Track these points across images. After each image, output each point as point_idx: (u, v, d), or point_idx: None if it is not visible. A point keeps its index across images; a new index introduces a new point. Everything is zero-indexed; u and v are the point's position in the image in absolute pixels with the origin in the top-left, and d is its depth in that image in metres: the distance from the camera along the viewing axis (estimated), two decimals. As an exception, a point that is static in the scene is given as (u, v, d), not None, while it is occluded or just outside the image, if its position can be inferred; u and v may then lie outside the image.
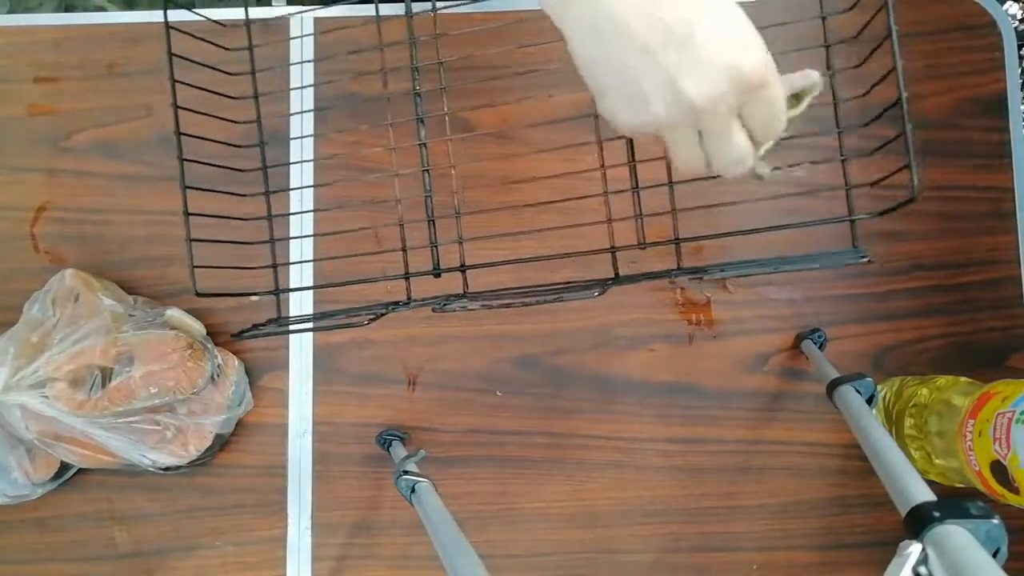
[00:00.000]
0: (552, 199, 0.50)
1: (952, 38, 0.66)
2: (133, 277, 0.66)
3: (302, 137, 0.65)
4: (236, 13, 0.58)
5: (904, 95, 0.40)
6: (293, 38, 0.67)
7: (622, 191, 0.47)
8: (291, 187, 0.64)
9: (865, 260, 0.44)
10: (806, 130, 0.40)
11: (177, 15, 0.52)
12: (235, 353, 0.64)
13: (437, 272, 0.50)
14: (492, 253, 0.51)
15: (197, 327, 0.62)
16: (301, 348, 0.66)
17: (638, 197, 0.47)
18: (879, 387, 0.62)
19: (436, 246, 0.51)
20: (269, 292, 0.53)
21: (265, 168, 0.54)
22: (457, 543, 0.43)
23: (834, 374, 0.55)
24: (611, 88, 0.35)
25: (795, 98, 0.39)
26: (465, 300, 0.49)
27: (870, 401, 0.51)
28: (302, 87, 0.66)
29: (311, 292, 0.65)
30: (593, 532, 0.64)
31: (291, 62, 0.66)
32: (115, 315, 0.59)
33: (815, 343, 0.62)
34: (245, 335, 0.48)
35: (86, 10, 1.48)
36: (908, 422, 0.57)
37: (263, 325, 0.52)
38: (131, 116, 0.68)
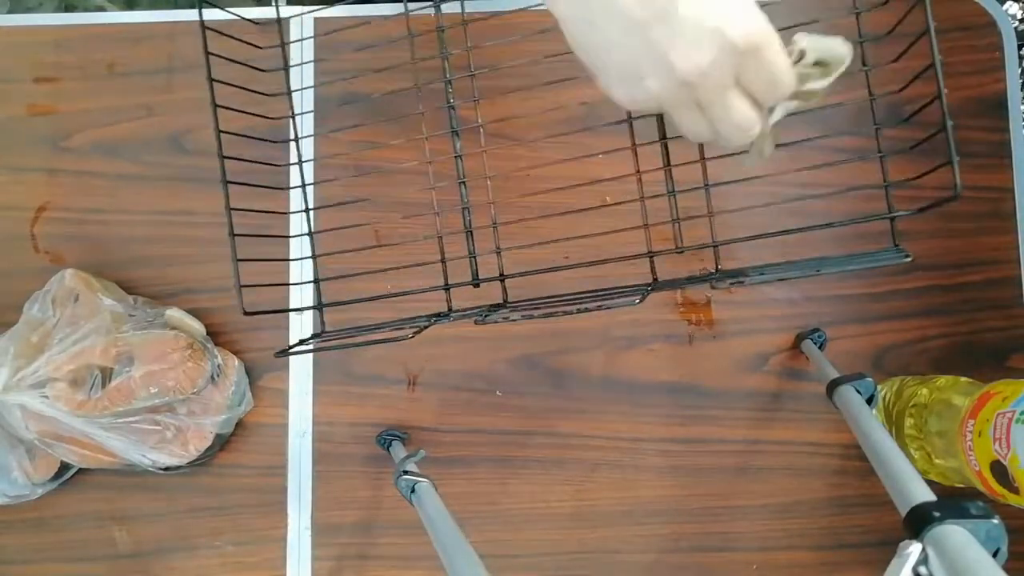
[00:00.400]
0: (587, 205, 0.50)
1: (952, 38, 0.66)
2: (133, 277, 0.66)
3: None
4: (265, 12, 0.58)
5: (943, 91, 0.39)
6: (302, 39, 0.67)
7: (658, 195, 0.46)
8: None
9: (908, 259, 0.43)
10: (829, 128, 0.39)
11: (207, 14, 0.52)
12: (235, 353, 0.64)
13: (476, 283, 0.50)
14: (526, 259, 0.51)
15: (197, 327, 0.62)
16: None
17: (675, 201, 0.46)
18: (879, 387, 0.62)
19: (475, 256, 0.50)
20: (312, 307, 0.53)
21: (304, 186, 0.54)
22: (457, 543, 0.43)
23: (834, 374, 0.55)
24: (607, 66, 0.35)
25: (822, 67, 0.37)
26: (506, 311, 0.49)
27: (870, 401, 0.51)
28: (306, 89, 0.66)
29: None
30: (593, 532, 0.64)
31: (297, 62, 0.66)
32: (115, 315, 0.59)
33: (815, 343, 0.62)
34: (290, 352, 0.48)
35: (86, 10, 1.48)
36: (908, 422, 0.57)
37: (306, 341, 0.52)
38: (131, 116, 0.68)
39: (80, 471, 0.64)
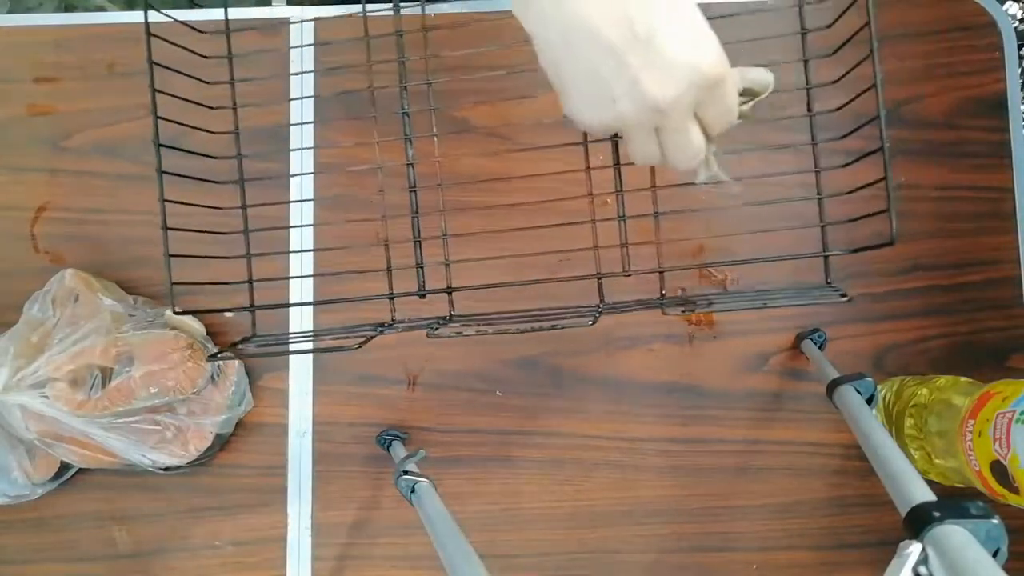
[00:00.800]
0: (542, 223, 0.50)
1: (952, 38, 0.66)
2: (133, 277, 0.66)
3: (301, 148, 0.65)
4: (234, 13, 0.58)
5: (887, 145, 0.40)
6: (293, 47, 0.67)
7: (609, 219, 0.47)
8: (289, 199, 0.64)
9: (845, 299, 0.44)
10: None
11: (155, 17, 0.51)
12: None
13: (422, 293, 0.50)
14: (478, 273, 0.51)
15: (197, 327, 0.62)
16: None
17: (624, 226, 0.47)
18: (879, 387, 0.62)
19: (422, 267, 0.50)
20: (244, 309, 0.51)
21: (242, 181, 0.52)
22: (457, 543, 0.43)
23: (834, 374, 0.55)
24: (577, 87, 0.36)
25: (747, 94, 0.40)
26: (458, 325, 0.49)
27: (870, 401, 0.51)
28: (302, 97, 0.66)
29: (311, 307, 0.65)
30: (593, 532, 0.64)
31: (291, 72, 0.66)
32: (115, 315, 0.59)
33: (815, 343, 0.62)
34: (219, 356, 0.47)
35: (86, 10, 1.48)
36: (908, 422, 0.57)
37: (239, 343, 0.51)
38: (131, 116, 0.68)
39: (80, 471, 0.64)
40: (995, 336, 0.64)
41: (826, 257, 0.47)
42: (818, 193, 0.47)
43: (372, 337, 0.47)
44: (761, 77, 0.40)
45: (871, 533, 0.63)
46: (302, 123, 0.66)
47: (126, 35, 0.68)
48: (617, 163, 0.47)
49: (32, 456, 0.60)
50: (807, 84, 0.47)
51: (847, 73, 0.43)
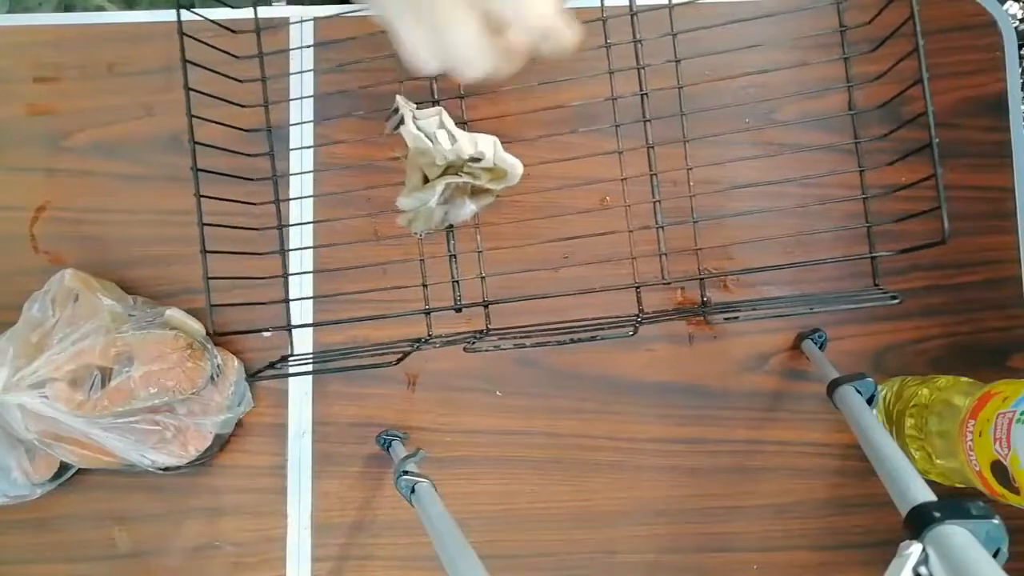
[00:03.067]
0: (576, 234, 0.49)
1: (952, 38, 0.66)
2: (133, 277, 0.66)
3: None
4: (241, 13, 0.58)
5: (935, 140, 0.40)
6: (293, 49, 0.67)
7: (646, 227, 0.47)
8: (309, 220, 0.63)
9: (896, 301, 0.43)
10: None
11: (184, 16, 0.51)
12: (235, 353, 0.64)
13: (458, 308, 0.50)
14: (514, 286, 0.50)
15: (197, 327, 0.62)
16: (301, 349, 0.65)
17: (662, 233, 0.47)
18: (879, 387, 0.62)
19: (457, 281, 0.50)
20: (282, 328, 0.52)
21: (278, 201, 0.53)
22: (457, 543, 0.43)
23: (834, 374, 0.55)
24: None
25: (494, 172, 0.43)
26: (495, 338, 0.48)
27: (870, 401, 0.51)
28: (302, 97, 0.66)
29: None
30: (593, 532, 0.64)
31: (291, 71, 0.66)
32: (115, 315, 0.59)
33: (815, 343, 0.62)
34: (259, 376, 0.48)
35: (86, 10, 1.47)
36: (908, 422, 0.57)
37: (278, 363, 0.51)
38: (131, 116, 0.67)
39: (80, 471, 0.64)
40: (995, 336, 0.64)
41: (873, 258, 0.46)
42: (862, 192, 0.46)
43: (409, 353, 0.47)
44: (516, 167, 0.42)
45: (871, 533, 0.63)
46: (301, 123, 0.66)
47: (126, 35, 0.68)
48: (653, 172, 0.47)
49: (32, 456, 0.60)
50: (847, 82, 0.46)
51: (890, 68, 0.42)
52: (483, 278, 0.50)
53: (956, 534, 0.32)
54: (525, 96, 0.62)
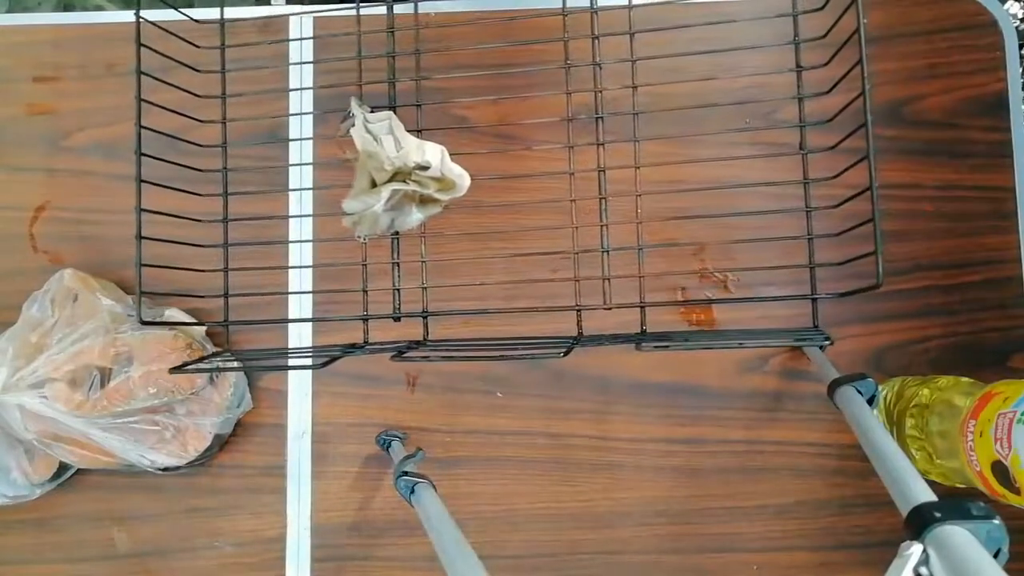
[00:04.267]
0: (525, 251, 0.50)
1: (952, 38, 0.66)
2: (132, 277, 0.66)
3: (301, 164, 0.65)
4: (232, 12, 0.58)
5: (875, 184, 0.40)
6: (292, 39, 0.67)
7: (591, 250, 0.47)
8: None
9: (828, 343, 0.44)
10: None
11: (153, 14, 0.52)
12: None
13: (397, 316, 0.50)
14: (457, 292, 0.51)
15: (196, 328, 0.62)
16: (294, 343, 0.65)
17: (607, 258, 0.47)
18: (880, 387, 0.62)
19: (399, 290, 0.50)
20: (216, 323, 0.52)
21: (226, 194, 0.54)
22: (457, 543, 0.42)
23: (835, 374, 0.55)
24: None
25: (442, 183, 0.44)
26: (427, 349, 0.49)
27: (871, 401, 0.51)
28: (302, 110, 0.66)
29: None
30: (593, 532, 0.64)
31: (290, 61, 0.66)
32: (114, 315, 0.59)
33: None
34: (185, 369, 0.48)
35: (85, 10, 1.47)
36: (909, 422, 0.57)
37: (205, 359, 0.51)
38: (131, 116, 0.66)
39: (79, 471, 0.64)
40: (996, 336, 0.64)
41: (814, 300, 0.47)
42: (808, 233, 0.47)
43: (337, 358, 0.47)
44: (462, 178, 0.43)
45: (872, 534, 0.63)
46: (301, 139, 0.66)
47: (125, 35, 0.68)
48: (602, 195, 0.48)
49: (31, 456, 0.60)
50: (798, 93, 0.47)
51: (838, 82, 0.43)
52: (424, 288, 0.50)
53: (957, 534, 0.32)
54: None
